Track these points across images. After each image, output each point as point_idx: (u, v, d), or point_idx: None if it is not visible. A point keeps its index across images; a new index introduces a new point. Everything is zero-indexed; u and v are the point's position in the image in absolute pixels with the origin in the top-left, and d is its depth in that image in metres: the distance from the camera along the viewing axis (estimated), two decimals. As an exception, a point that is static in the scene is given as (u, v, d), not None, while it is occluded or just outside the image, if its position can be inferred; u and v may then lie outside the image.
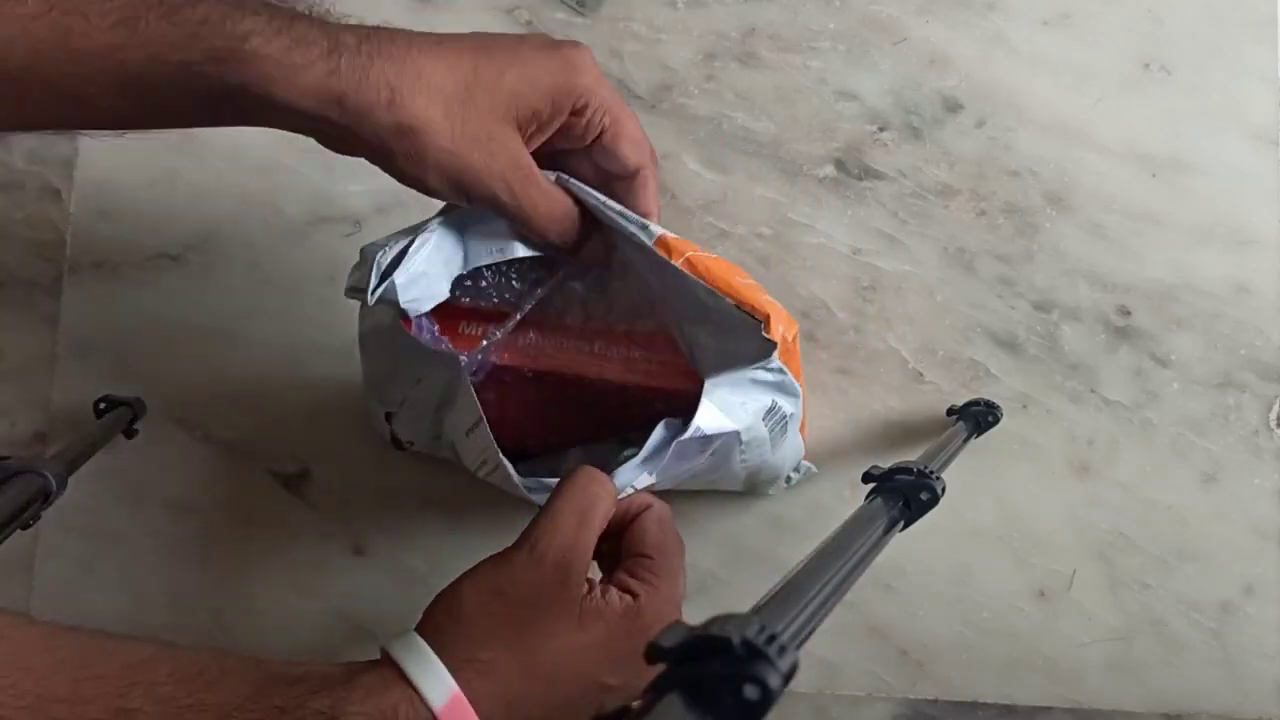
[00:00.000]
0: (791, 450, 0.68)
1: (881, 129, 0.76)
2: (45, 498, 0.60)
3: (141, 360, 0.77)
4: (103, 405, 0.74)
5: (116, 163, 0.78)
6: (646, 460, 0.55)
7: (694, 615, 0.31)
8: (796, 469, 0.71)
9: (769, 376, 0.60)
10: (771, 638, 0.29)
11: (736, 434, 0.59)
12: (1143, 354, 0.75)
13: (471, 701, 0.43)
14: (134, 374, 0.77)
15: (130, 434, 0.75)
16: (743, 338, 0.57)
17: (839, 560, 0.39)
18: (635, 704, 0.28)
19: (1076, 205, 0.75)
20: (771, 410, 0.62)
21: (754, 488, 0.71)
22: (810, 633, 0.33)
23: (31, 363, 0.77)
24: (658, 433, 0.56)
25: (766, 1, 0.77)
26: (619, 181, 0.58)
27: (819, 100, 0.76)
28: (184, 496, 0.76)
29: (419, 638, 0.46)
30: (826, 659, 0.74)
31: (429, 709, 0.43)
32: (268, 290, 0.76)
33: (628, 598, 0.48)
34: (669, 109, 0.77)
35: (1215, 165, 0.75)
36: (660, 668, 0.29)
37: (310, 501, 0.76)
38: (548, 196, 0.53)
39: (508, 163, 0.50)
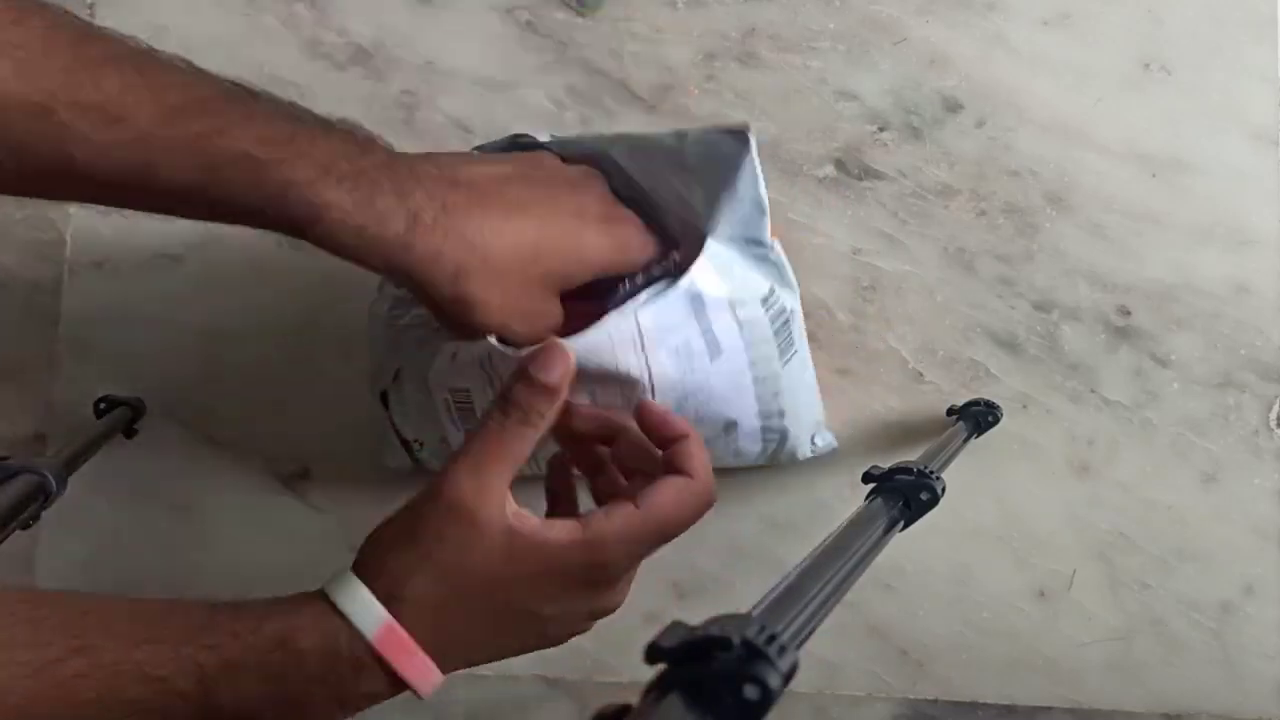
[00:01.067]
0: (807, 395, 0.67)
1: (881, 129, 0.76)
2: (45, 497, 0.60)
3: (141, 360, 0.77)
4: (103, 405, 0.74)
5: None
6: (631, 301, 0.55)
7: (695, 616, 0.31)
8: (817, 438, 0.70)
9: (767, 254, 0.60)
10: (771, 638, 0.29)
11: (730, 305, 0.58)
12: (1143, 354, 0.75)
13: (408, 630, 0.46)
14: (134, 374, 0.77)
15: (130, 434, 0.75)
16: (722, 149, 0.59)
17: (839, 560, 0.39)
18: (635, 704, 0.28)
19: (1076, 205, 0.75)
20: (771, 298, 0.61)
21: (774, 452, 0.67)
22: (810, 633, 0.33)
23: (32, 363, 0.77)
24: (648, 289, 0.56)
25: (766, 1, 0.77)
26: None
27: (819, 100, 0.76)
28: (184, 496, 0.76)
29: (352, 574, 0.48)
30: (826, 659, 0.74)
31: (364, 639, 0.45)
32: (267, 290, 0.76)
33: (576, 531, 0.48)
34: (669, 109, 0.77)
35: (1215, 165, 0.75)
36: (660, 667, 0.29)
37: (310, 501, 0.76)
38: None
39: (543, 328, 0.53)
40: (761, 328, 0.60)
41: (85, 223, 0.78)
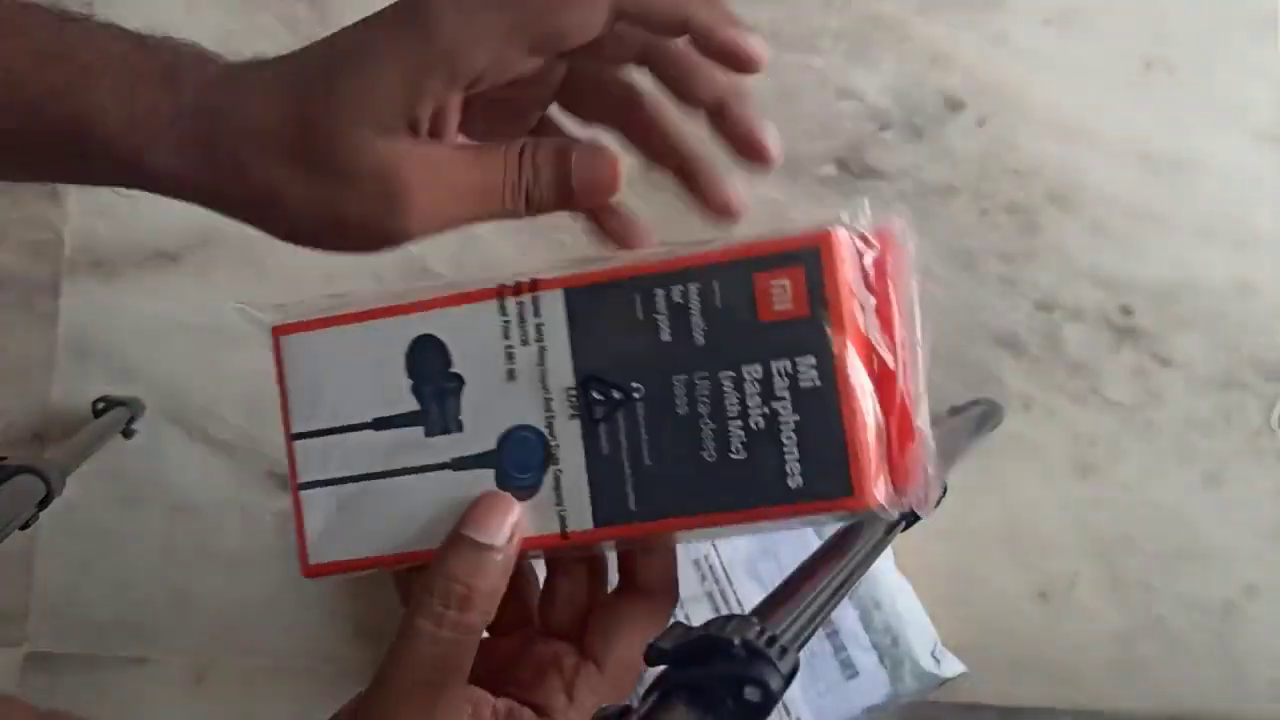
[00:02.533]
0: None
1: (883, 128, 0.76)
2: (44, 498, 0.59)
3: (140, 360, 0.77)
4: (101, 405, 0.74)
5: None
6: None
7: (698, 618, 0.30)
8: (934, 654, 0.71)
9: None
10: (772, 639, 0.28)
11: None
12: (1145, 354, 0.75)
13: None
14: (132, 374, 0.76)
15: (128, 434, 0.74)
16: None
17: (839, 562, 0.39)
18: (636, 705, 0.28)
19: (1078, 204, 0.75)
20: None
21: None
22: (811, 634, 0.33)
23: (30, 363, 0.77)
24: None
25: (767, 0, 0.77)
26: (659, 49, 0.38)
27: (820, 99, 0.76)
28: (182, 496, 0.76)
29: None
30: (827, 660, 0.74)
31: None
32: (266, 290, 0.76)
33: None
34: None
35: (1218, 164, 0.75)
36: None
37: (309, 502, 0.76)
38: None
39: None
40: None
41: (83, 222, 0.77)
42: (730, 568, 0.70)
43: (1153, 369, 0.74)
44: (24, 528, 0.59)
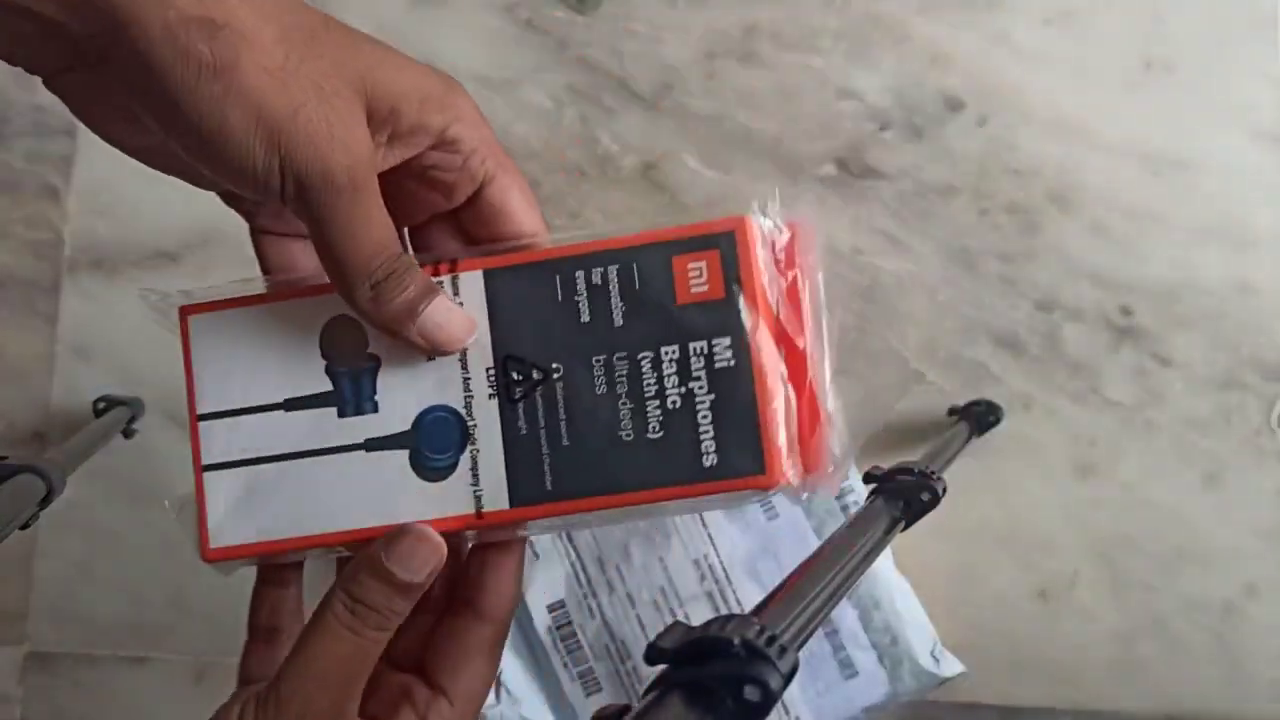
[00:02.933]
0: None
1: (883, 128, 0.76)
2: (44, 497, 0.59)
3: (140, 360, 0.77)
4: (101, 405, 0.74)
5: (115, 162, 0.77)
6: None
7: (697, 617, 0.31)
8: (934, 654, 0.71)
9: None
10: (772, 639, 0.28)
11: None
12: (1145, 354, 0.75)
13: None
14: (133, 373, 0.76)
15: (129, 434, 0.74)
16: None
17: (839, 561, 0.39)
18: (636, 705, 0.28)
19: (1078, 204, 0.75)
20: None
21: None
22: (811, 633, 0.33)
23: (30, 362, 0.77)
24: None
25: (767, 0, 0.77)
26: None
27: (820, 99, 0.76)
28: (182, 496, 0.76)
29: None
30: (827, 660, 0.74)
31: None
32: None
33: None
34: (669, 108, 0.76)
35: (1217, 164, 0.75)
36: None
37: (309, 501, 0.76)
38: (381, 217, 0.34)
39: (352, 138, 0.32)
40: None
41: (83, 222, 0.77)
42: (730, 567, 0.70)
43: (1153, 369, 0.74)
44: (24, 527, 0.59)
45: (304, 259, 0.38)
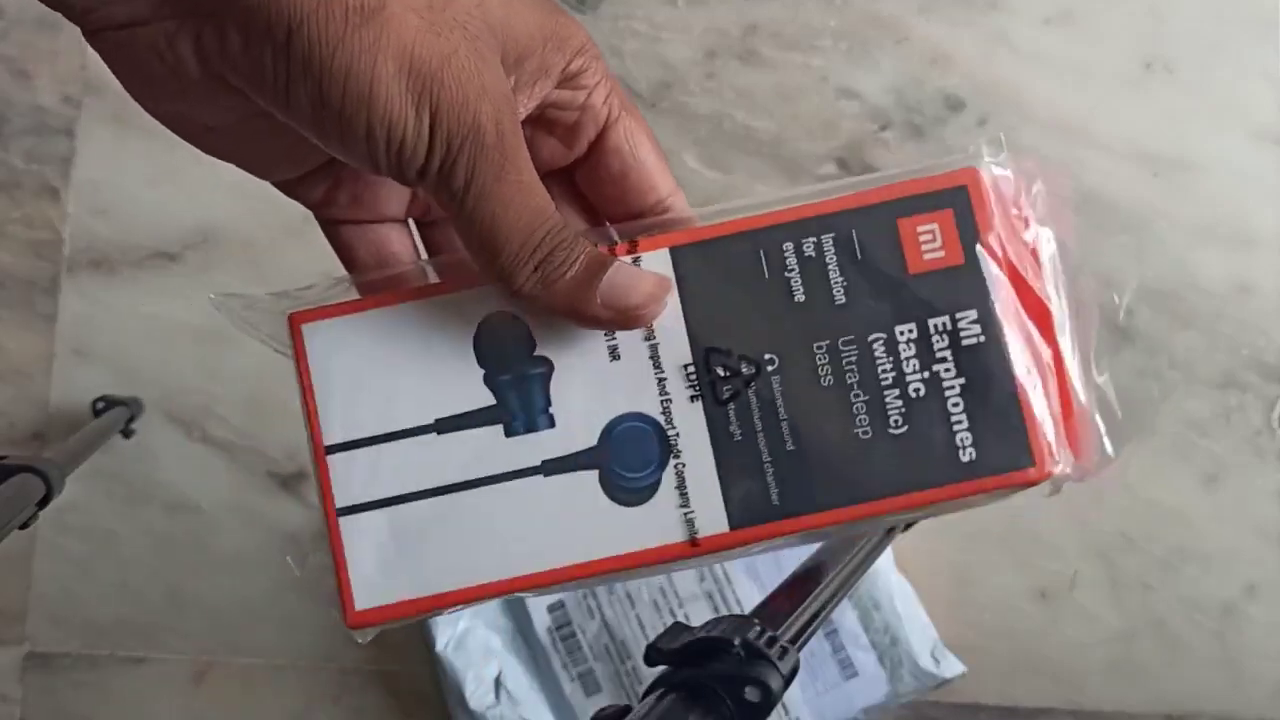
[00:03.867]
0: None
1: (883, 127, 0.76)
2: (43, 497, 0.59)
3: (139, 360, 0.76)
4: (100, 405, 0.73)
5: (114, 161, 0.77)
6: None
7: (697, 618, 0.30)
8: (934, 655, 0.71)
9: None
10: (772, 640, 0.28)
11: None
12: (1145, 354, 0.75)
13: None
14: (132, 373, 0.76)
15: (128, 434, 0.74)
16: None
17: (839, 562, 0.39)
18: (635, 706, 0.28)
19: (1079, 204, 0.75)
20: None
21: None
22: (811, 634, 0.33)
23: (30, 362, 0.77)
24: None
25: None
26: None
27: (820, 98, 0.76)
28: (181, 496, 0.76)
29: None
30: (827, 660, 0.74)
31: None
32: (266, 288, 0.76)
33: None
34: (669, 107, 0.76)
35: (1217, 164, 0.75)
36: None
37: (308, 501, 0.76)
38: (536, 181, 0.28)
39: (499, 89, 0.27)
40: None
41: (83, 222, 0.77)
42: (729, 567, 0.70)
43: (1153, 369, 0.74)
44: (23, 527, 0.58)
45: (401, 247, 0.31)
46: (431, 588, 0.29)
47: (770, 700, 0.27)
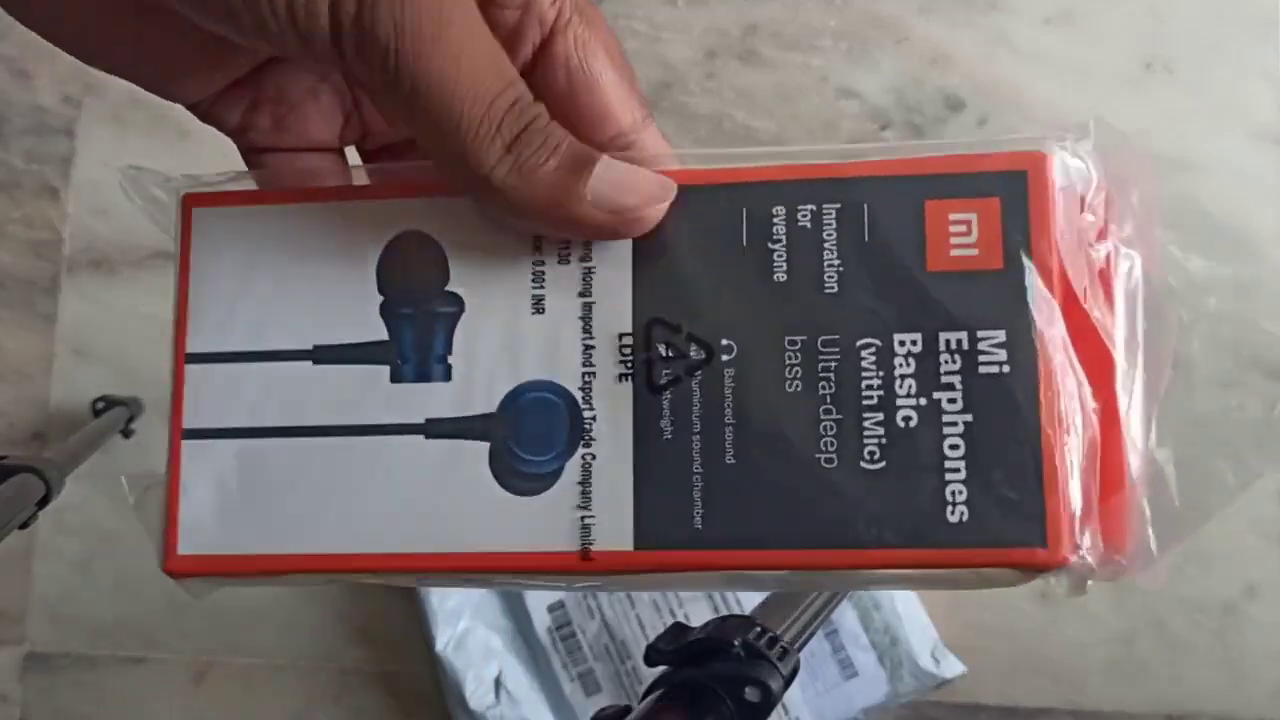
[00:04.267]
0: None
1: (883, 127, 0.76)
2: (43, 497, 0.59)
3: (139, 360, 0.76)
4: (100, 405, 0.73)
5: (114, 161, 0.77)
6: None
7: (697, 618, 0.30)
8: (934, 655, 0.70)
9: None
10: (773, 640, 0.28)
11: None
12: (1145, 354, 0.75)
13: None
14: (132, 373, 0.76)
15: (127, 434, 0.74)
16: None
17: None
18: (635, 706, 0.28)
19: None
20: None
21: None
22: (811, 635, 0.33)
23: (29, 362, 0.77)
24: None
25: None
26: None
27: (820, 98, 0.76)
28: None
29: None
30: (827, 660, 0.74)
31: None
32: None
33: None
34: (669, 107, 0.76)
35: (1217, 164, 0.75)
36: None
37: (309, 501, 0.76)
38: (488, 34, 0.22)
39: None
40: None
41: (83, 222, 0.77)
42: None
43: (1153, 369, 0.74)
44: (23, 527, 0.58)
45: (331, 178, 0.26)
46: (269, 546, 0.24)
47: (770, 700, 0.27)
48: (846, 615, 0.69)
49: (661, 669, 0.29)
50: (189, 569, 0.26)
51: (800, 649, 0.30)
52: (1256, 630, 0.73)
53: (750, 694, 0.27)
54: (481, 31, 0.21)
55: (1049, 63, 0.76)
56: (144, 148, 0.77)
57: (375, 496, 0.24)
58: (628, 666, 0.69)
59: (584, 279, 0.24)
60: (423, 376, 0.24)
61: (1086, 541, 0.22)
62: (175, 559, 0.26)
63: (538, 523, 0.23)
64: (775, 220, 0.23)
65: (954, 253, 0.22)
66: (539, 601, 0.70)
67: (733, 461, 0.23)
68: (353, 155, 0.27)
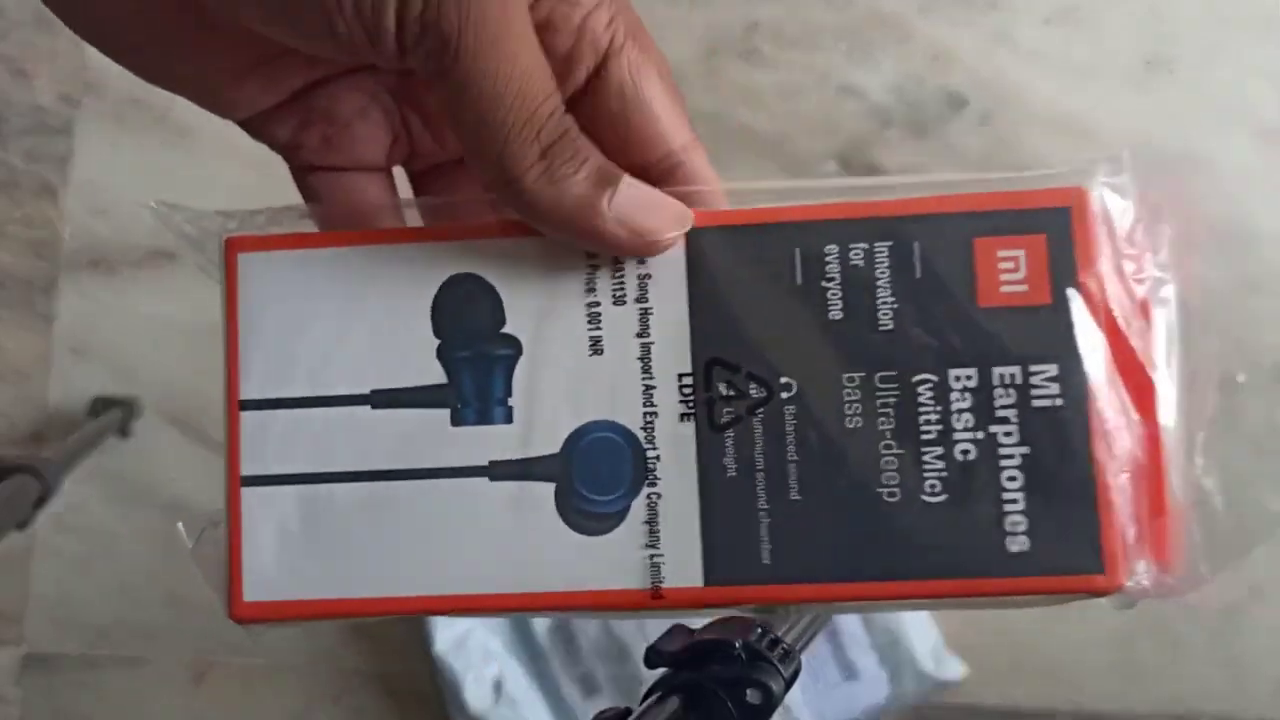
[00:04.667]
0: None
1: (885, 126, 0.76)
2: (41, 497, 0.59)
3: (138, 360, 0.76)
4: (99, 405, 0.73)
5: (113, 161, 0.77)
6: None
7: (699, 619, 0.30)
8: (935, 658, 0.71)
9: None
10: (774, 642, 0.28)
11: None
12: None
13: None
14: (130, 373, 0.76)
15: (126, 434, 0.74)
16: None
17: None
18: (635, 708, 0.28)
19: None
20: None
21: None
22: (813, 636, 0.33)
23: (28, 362, 0.77)
24: None
25: (768, -2, 0.77)
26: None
27: (821, 97, 0.76)
28: (180, 496, 0.76)
29: None
30: (828, 660, 0.74)
31: None
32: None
33: None
34: (670, 106, 0.76)
35: (1219, 163, 0.75)
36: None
37: (308, 501, 0.76)
38: (537, 47, 0.23)
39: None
40: None
41: (83, 222, 0.77)
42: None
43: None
44: (21, 527, 0.58)
45: (378, 199, 0.27)
46: (337, 591, 0.25)
47: (772, 702, 0.27)
48: (848, 617, 0.69)
49: (661, 671, 0.28)
50: (253, 616, 0.26)
51: (802, 651, 0.30)
52: (1257, 631, 0.73)
53: (751, 696, 0.27)
54: (534, 43, 0.22)
55: (1050, 61, 0.76)
56: (143, 148, 0.77)
57: (440, 539, 0.24)
58: (627, 668, 0.69)
59: (641, 320, 0.24)
60: (484, 419, 0.24)
61: (1140, 567, 0.23)
62: (241, 606, 0.26)
63: (607, 562, 0.24)
64: (829, 259, 0.24)
65: (1004, 289, 0.23)
66: (539, 602, 0.70)
67: (798, 498, 0.23)
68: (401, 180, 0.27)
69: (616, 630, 0.69)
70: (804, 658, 0.30)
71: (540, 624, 0.70)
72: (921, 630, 0.70)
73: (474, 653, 0.69)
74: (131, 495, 0.76)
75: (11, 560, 0.75)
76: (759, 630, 0.28)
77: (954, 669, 0.69)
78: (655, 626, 0.27)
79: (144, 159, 0.77)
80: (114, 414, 0.72)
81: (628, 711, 0.27)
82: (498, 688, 0.69)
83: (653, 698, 0.28)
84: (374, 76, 0.26)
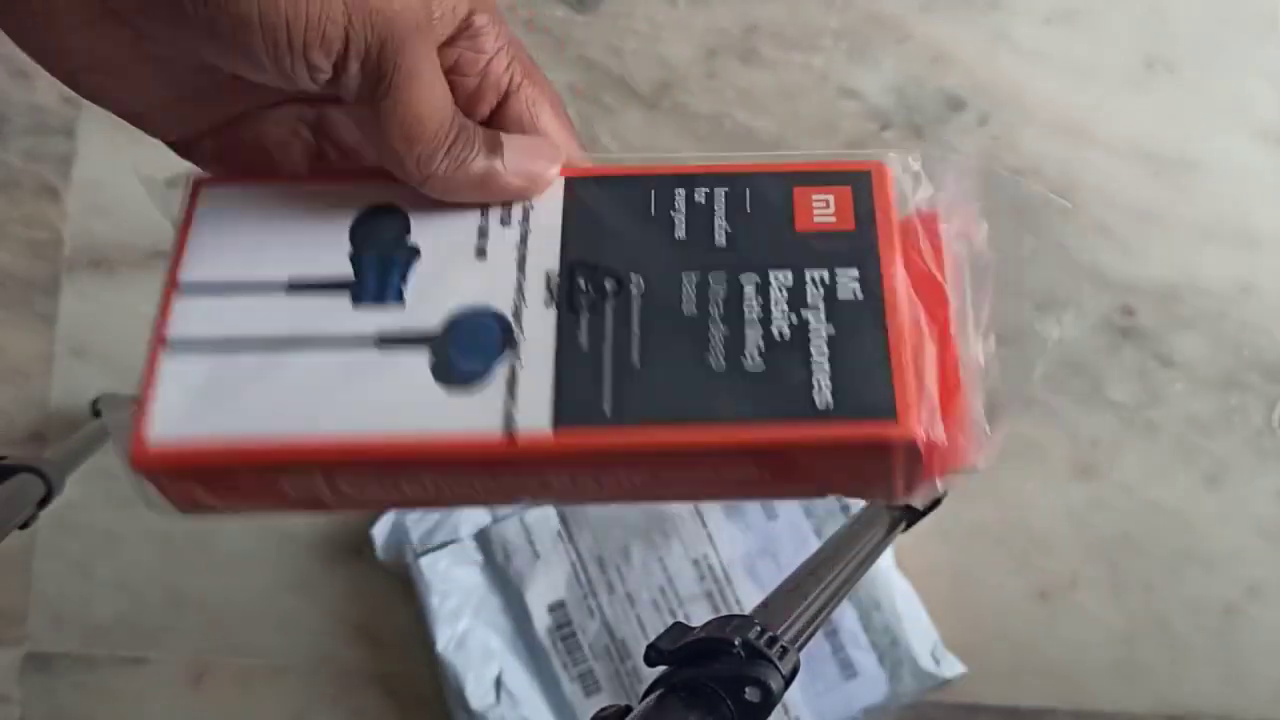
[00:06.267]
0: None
1: (884, 127, 0.76)
2: (43, 497, 0.59)
3: (139, 360, 0.76)
4: (100, 404, 0.73)
5: (114, 161, 0.77)
6: None
7: (697, 618, 0.30)
8: (934, 655, 0.71)
9: None
10: (773, 640, 0.28)
11: None
12: (1146, 354, 0.74)
13: None
14: (131, 373, 0.76)
15: (128, 433, 0.74)
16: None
17: (841, 562, 0.39)
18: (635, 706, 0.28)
19: (1080, 204, 0.75)
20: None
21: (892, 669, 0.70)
22: (812, 634, 0.33)
23: (29, 362, 0.77)
24: None
25: (768, -1, 0.77)
26: None
27: (821, 98, 0.76)
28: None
29: None
30: (828, 660, 0.74)
31: None
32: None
33: None
34: (670, 107, 0.76)
35: (1220, 164, 0.75)
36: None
37: (309, 501, 0.76)
38: (440, 73, 0.29)
39: None
40: None
41: (83, 222, 0.77)
42: (729, 567, 0.70)
43: (1154, 369, 0.74)
44: (23, 527, 0.58)
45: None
46: (233, 430, 0.28)
47: (770, 701, 0.27)
48: (847, 615, 0.69)
49: (661, 669, 0.29)
50: (156, 462, 0.29)
51: (800, 649, 0.30)
52: (1258, 631, 0.73)
53: (750, 694, 0.27)
54: (440, 74, 0.28)
55: (1050, 62, 0.76)
56: (143, 148, 0.77)
57: (327, 393, 0.28)
58: (628, 666, 0.69)
59: (521, 235, 0.29)
60: (379, 299, 0.29)
61: (930, 424, 0.27)
62: (144, 451, 0.28)
63: (470, 410, 0.27)
64: (677, 197, 0.29)
65: (817, 219, 0.29)
66: (539, 601, 0.70)
67: (638, 365, 0.27)
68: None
69: (616, 629, 0.69)
70: (802, 656, 0.30)
71: (540, 622, 0.70)
72: (920, 630, 0.70)
73: (475, 651, 0.70)
74: (132, 495, 0.76)
75: (13, 560, 0.75)
76: (758, 629, 0.28)
77: (953, 667, 0.70)
78: (655, 626, 0.27)
79: (145, 158, 0.77)
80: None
81: (628, 709, 0.27)
82: (499, 686, 0.70)
83: (653, 695, 0.28)
84: (297, 110, 0.31)
